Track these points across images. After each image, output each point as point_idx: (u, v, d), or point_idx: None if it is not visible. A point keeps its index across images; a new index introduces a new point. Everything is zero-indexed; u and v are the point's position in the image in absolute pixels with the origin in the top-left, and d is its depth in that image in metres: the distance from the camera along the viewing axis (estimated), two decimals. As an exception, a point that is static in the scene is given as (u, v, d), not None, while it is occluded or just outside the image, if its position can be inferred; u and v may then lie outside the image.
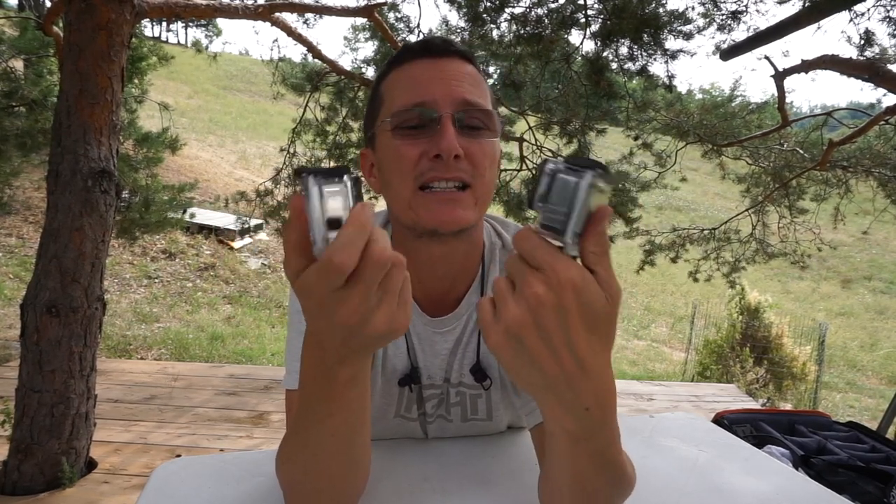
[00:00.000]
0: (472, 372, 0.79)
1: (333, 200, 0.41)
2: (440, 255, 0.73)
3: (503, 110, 4.79)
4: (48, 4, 4.15)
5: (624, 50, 3.96)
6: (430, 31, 4.62)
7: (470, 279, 0.79)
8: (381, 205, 0.86)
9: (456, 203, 0.65)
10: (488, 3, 4.01)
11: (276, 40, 7.32)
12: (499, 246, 0.82)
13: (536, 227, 0.42)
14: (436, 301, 0.78)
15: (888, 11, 3.60)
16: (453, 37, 4.35)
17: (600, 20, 3.92)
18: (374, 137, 0.72)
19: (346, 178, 0.41)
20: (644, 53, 3.91)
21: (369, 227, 0.41)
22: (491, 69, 4.96)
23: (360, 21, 4.85)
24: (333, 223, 0.41)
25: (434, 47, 0.70)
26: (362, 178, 0.44)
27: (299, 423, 0.57)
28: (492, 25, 4.16)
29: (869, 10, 3.72)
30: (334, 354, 0.47)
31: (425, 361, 0.80)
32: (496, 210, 5.07)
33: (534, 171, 4.79)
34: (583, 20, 3.94)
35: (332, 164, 4.58)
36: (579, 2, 3.90)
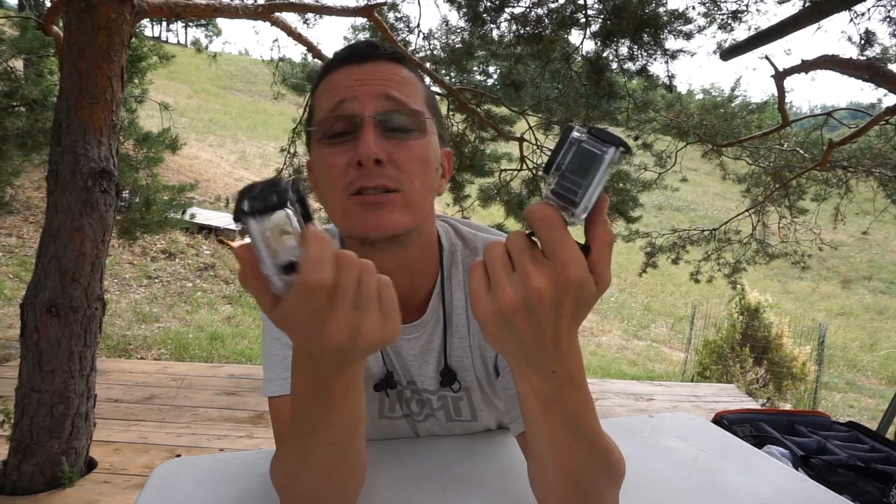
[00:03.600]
0: (440, 375, 0.78)
1: (280, 241, 0.37)
2: (392, 265, 0.70)
3: (503, 110, 4.79)
4: (48, 4, 4.15)
5: (624, 50, 3.96)
6: (430, 31, 4.63)
7: (431, 283, 0.77)
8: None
9: (383, 207, 0.62)
10: (488, 3, 4.01)
11: (276, 40, 7.33)
12: (459, 247, 0.79)
13: (547, 192, 0.40)
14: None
15: (888, 11, 3.60)
16: (453, 37, 4.36)
17: (600, 20, 3.92)
18: (311, 148, 0.70)
19: (287, 209, 0.37)
20: (644, 53, 3.91)
21: (329, 239, 0.39)
22: (491, 69, 4.97)
23: (360, 21, 4.85)
24: (289, 268, 0.38)
25: (358, 52, 0.67)
26: (303, 183, 0.41)
27: (295, 434, 0.56)
28: (492, 25, 4.17)
29: (869, 10, 3.73)
30: (328, 368, 0.47)
31: (397, 365, 0.80)
32: (496, 210, 5.08)
33: (534, 171, 4.79)
34: (583, 20, 3.94)
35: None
36: (579, 2, 3.90)
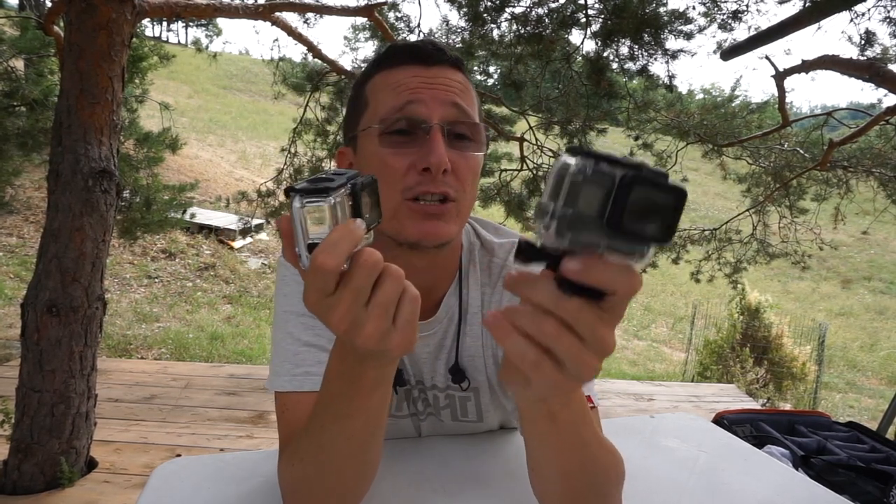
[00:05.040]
0: (450, 373, 0.79)
1: (315, 223, 0.40)
2: (421, 266, 0.72)
3: (503, 110, 4.79)
4: (48, 4, 4.15)
5: (624, 50, 3.96)
6: (430, 31, 4.62)
7: (448, 281, 0.78)
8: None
9: (439, 217, 0.64)
10: (489, 3, 4.01)
11: (276, 40, 7.28)
12: (477, 246, 0.81)
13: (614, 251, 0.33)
14: None
15: (888, 11, 3.60)
16: (453, 36, 4.36)
17: (601, 20, 3.92)
18: (356, 139, 0.70)
19: (331, 196, 0.39)
20: (644, 53, 3.91)
21: (357, 234, 0.40)
22: (491, 69, 4.97)
23: (361, 21, 4.85)
24: (312, 248, 0.40)
25: (425, 54, 0.67)
26: (370, 185, 0.43)
27: (315, 422, 0.56)
28: (492, 25, 4.16)
29: (869, 10, 3.73)
30: (356, 355, 0.47)
31: (408, 363, 0.80)
32: (496, 210, 5.07)
33: (534, 172, 4.79)
34: (583, 20, 3.94)
35: (333, 164, 4.58)
36: (580, 2, 3.90)
